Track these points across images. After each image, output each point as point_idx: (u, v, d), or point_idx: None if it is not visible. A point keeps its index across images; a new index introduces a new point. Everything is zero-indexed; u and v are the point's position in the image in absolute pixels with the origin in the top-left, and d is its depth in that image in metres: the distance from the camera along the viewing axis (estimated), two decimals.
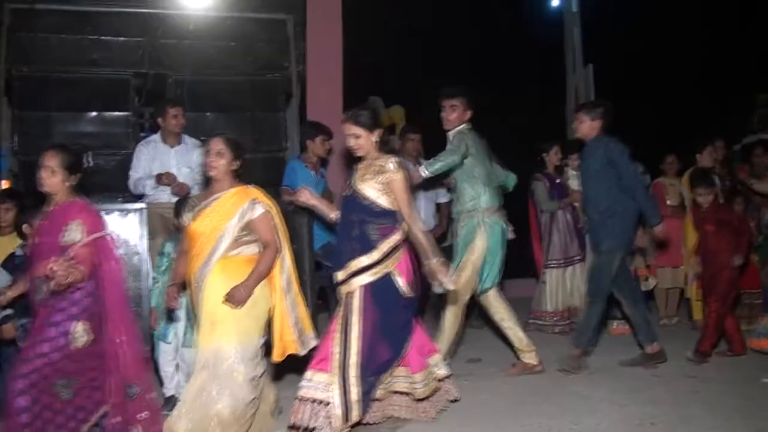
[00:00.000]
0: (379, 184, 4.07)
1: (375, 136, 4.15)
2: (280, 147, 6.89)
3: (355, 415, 3.86)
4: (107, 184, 6.35)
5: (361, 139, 4.13)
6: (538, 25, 12.02)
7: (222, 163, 3.88)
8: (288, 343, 3.99)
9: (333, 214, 4.32)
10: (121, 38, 6.57)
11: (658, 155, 7.69)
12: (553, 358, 5.49)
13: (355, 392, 3.87)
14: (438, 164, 5.06)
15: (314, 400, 3.90)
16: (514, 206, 7.64)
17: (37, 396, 3.59)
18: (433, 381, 4.30)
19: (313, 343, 4.06)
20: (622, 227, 5.37)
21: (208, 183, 4.12)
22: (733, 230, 5.69)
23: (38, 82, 6.34)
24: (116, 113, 6.55)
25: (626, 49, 12.03)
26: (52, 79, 6.37)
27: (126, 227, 5.08)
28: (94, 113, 6.48)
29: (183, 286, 3.99)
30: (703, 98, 11.80)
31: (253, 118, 6.91)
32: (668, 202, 7.18)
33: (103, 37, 6.51)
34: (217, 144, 3.89)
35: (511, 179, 7.23)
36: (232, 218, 3.82)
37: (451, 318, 5.23)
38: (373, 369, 3.98)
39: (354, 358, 3.91)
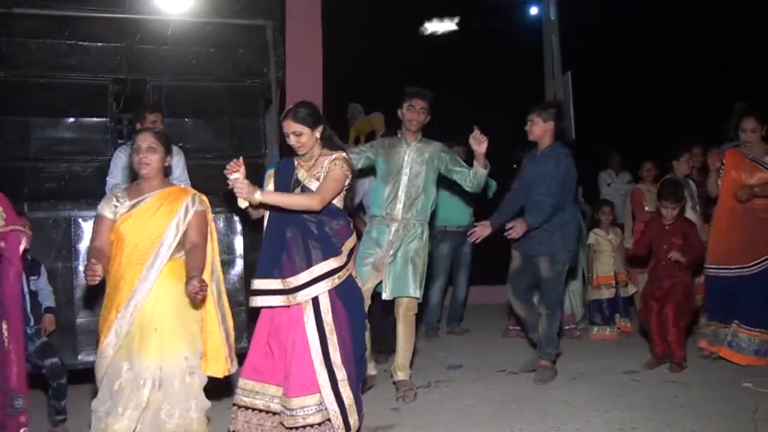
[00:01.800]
0: None
1: (318, 133, 3.96)
2: (260, 153, 6.82)
3: (354, 421, 3.79)
4: (85, 190, 6.26)
5: (304, 137, 3.91)
6: (518, 32, 12.10)
7: (154, 159, 3.62)
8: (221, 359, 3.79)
9: (258, 194, 3.73)
10: (100, 43, 6.46)
11: (638, 161, 7.76)
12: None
13: (349, 403, 3.78)
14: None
15: (312, 425, 3.76)
16: (494, 212, 7.68)
17: None
18: None
19: (236, 367, 3.89)
20: (574, 238, 5.42)
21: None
22: (690, 245, 5.65)
23: (16, 86, 6.25)
24: (94, 119, 6.44)
25: (605, 56, 12.13)
26: (30, 84, 6.27)
27: None
28: (72, 119, 6.36)
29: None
30: (683, 105, 11.91)
31: (232, 124, 6.83)
32: (646, 208, 7.24)
33: (81, 42, 6.41)
34: (147, 138, 3.63)
35: (491, 185, 7.31)
36: (176, 215, 3.58)
37: (404, 330, 4.94)
38: (357, 373, 3.94)
39: (340, 370, 3.78)
